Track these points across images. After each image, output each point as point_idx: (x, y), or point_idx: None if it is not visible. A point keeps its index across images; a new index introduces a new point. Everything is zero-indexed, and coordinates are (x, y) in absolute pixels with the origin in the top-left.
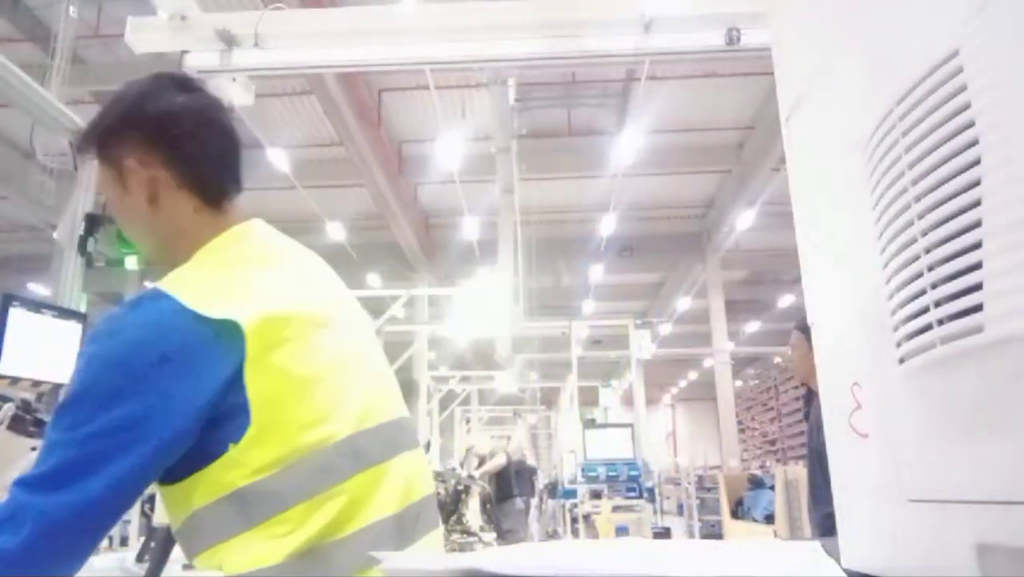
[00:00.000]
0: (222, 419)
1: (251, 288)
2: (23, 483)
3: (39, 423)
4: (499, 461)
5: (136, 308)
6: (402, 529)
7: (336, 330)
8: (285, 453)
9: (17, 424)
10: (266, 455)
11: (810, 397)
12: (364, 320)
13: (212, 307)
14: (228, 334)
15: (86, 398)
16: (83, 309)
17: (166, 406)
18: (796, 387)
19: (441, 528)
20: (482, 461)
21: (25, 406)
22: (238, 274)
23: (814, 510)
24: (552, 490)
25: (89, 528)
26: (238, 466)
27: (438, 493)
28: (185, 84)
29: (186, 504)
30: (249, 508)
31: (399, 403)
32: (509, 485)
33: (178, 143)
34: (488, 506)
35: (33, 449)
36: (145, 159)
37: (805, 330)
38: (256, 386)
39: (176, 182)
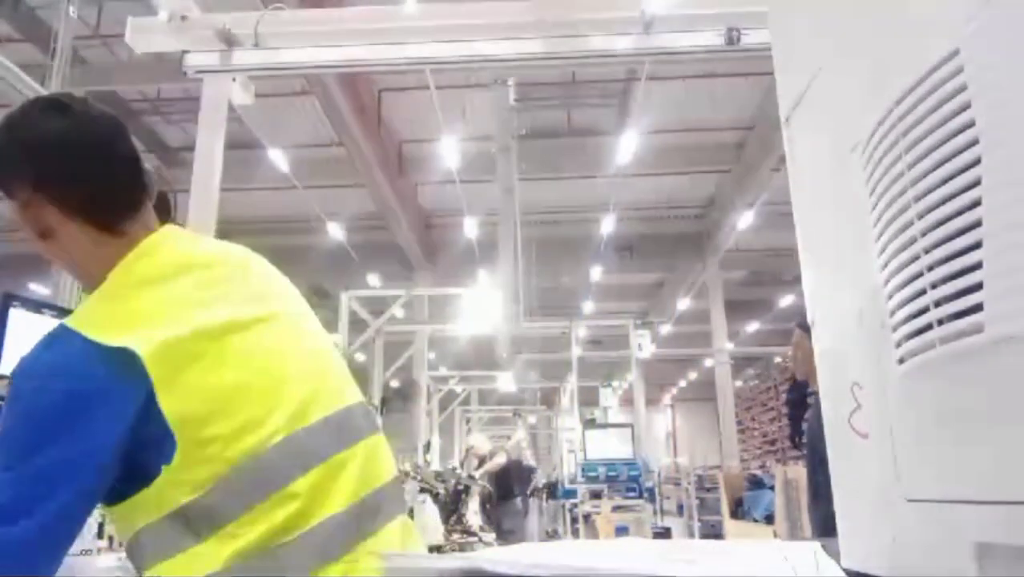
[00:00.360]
0: (149, 444)
1: (150, 312)
2: None
3: None
4: (499, 461)
5: (46, 349)
6: (360, 521)
7: (261, 329)
8: (219, 467)
9: None
10: (200, 471)
11: (803, 398)
12: (301, 311)
13: (113, 338)
14: (129, 365)
15: (6, 444)
16: None
17: (80, 447)
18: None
19: (403, 516)
20: (482, 461)
21: None
22: (138, 299)
23: (815, 510)
24: (551, 490)
25: (22, 567)
26: (176, 485)
27: (437, 494)
28: (61, 108)
29: (131, 523)
30: (193, 524)
31: (348, 391)
32: (510, 485)
33: (55, 176)
34: (488, 506)
35: None
36: (31, 195)
37: (808, 328)
38: (174, 408)
39: (64, 215)
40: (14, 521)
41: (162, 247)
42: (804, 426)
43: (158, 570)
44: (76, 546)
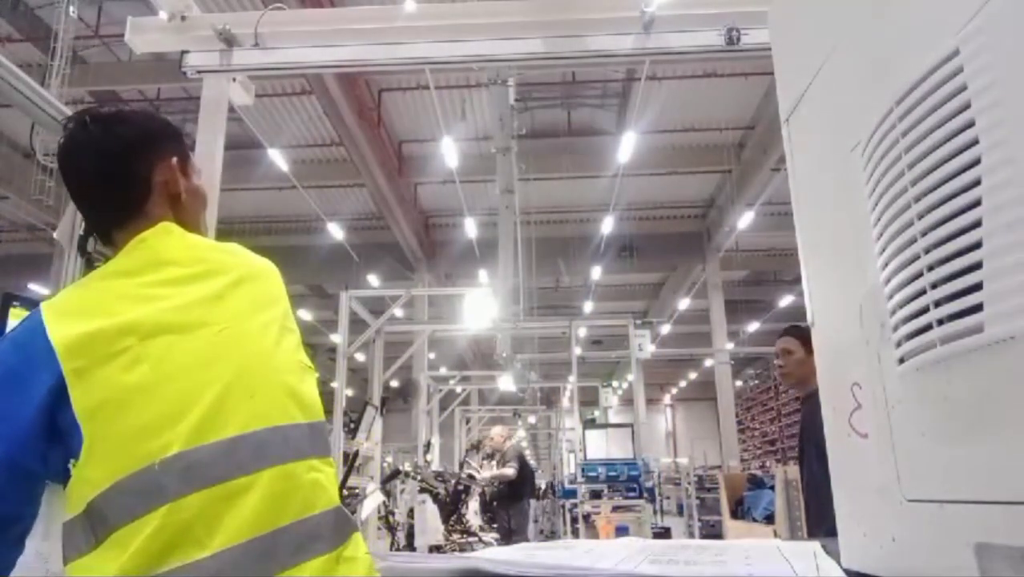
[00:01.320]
0: (63, 436)
1: (95, 302)
2: None
3: None
4: (508, 472)
5: (20, 323)
6: (266, 558)
7: (200, 336)
8: (115, 467)
9: None
10: (100, 469)
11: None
12: (256, 322)
13: (51, 324)
14: (48, 351)
15: None
16: None
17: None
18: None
19: (340, 550)
20: (493, 453)
21: None
22: (95, 288)
23: (816, 508)
24: (549, 491)
25: None
26: (83, 482)
27: (437, 494)
28: (66, 132)
29: (65, 519)
30: (94, 526)
31: (289, 410)
32: (522, 488)
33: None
34: (495, 504)
35: None
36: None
37: (799, 335)
38: (84, 401)
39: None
40: None
41: (146, 241)
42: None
43: (69, 569)
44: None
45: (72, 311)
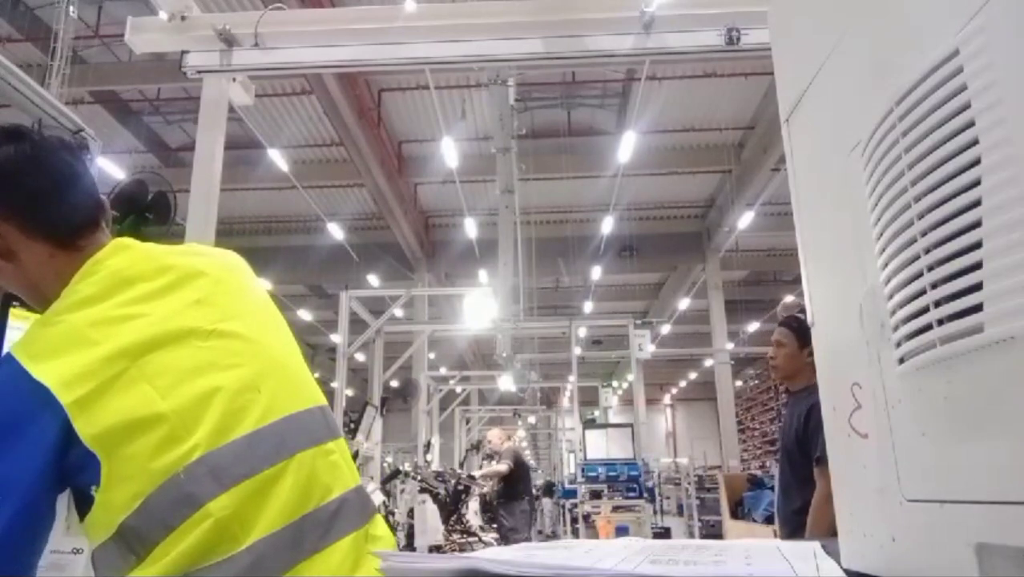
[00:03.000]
0: (79, 468)
1: (74, 336)
2: None
3: None
4: (500, 468)
5: None
6: (300, 541)
7: (192, 342)
8: (141, 486)
9: None
10: (126, 491)
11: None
12: (259, 319)
13: (35, 367)
14: (45, 395)
15: None
16: None
17: (7, 476)
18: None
19: (365, 528)
20: (492, 455)
21: None
22: (67, 322)
23: (784, 507)
24: (548, 490)
25: None
26: (109, 507)
27: (437, 494)
28: (10, 135)
29: (91, 544)
30: (132, 545)
31: (298, 398)
32: (517, 486)
33: (10, 197)
34: (495, 504)
35: None
36: None
37: (795, 328)
38: (91, 431)
39: (24, 234)
40: None
41: (104, 263)
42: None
43: None
44: (67, 544)
45: (51, 350)
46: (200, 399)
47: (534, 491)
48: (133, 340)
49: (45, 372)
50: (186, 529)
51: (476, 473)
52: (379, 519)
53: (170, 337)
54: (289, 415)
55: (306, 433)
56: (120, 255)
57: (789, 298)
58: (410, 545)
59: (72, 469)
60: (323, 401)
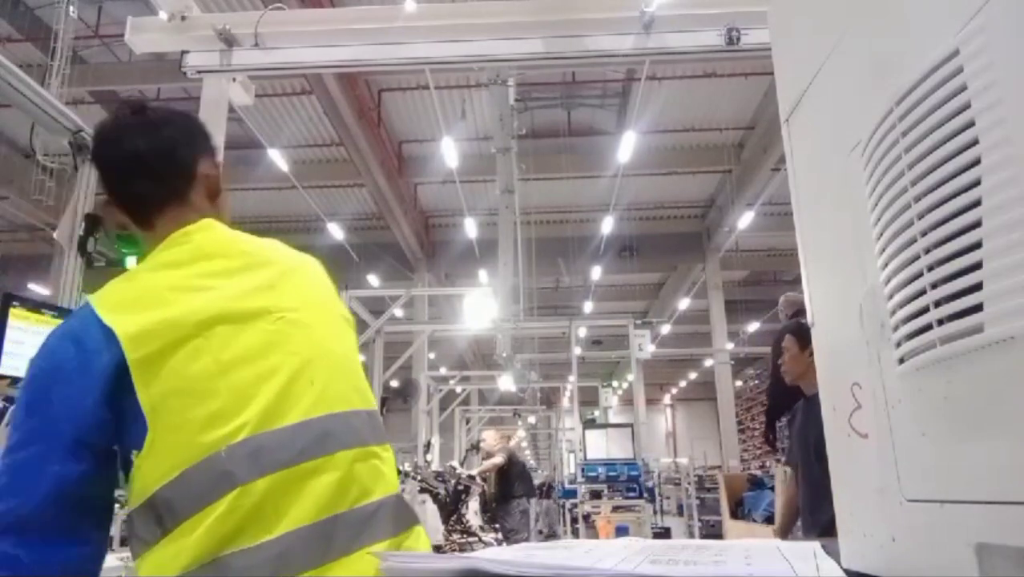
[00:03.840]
0: (124, 426)
1: (152, 293)
2: None
3: None
4: (496, 461)
5: (67, 319)
6: (331, 539)
7: (257, 325)
8: (183, 457)
9: None
10: (166, 461)
11: (786, 401)
12: (321, 316)
13: (108, 315)
14: (110, 341)
15: (18, 410)
16: None
17: (57, 412)
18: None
19: (400, 538)
20: (487, 456)
21: None
22: (147, 280)
23: (815, 514)
24: (547, 491)
25: (44, 528)
26: (146, 473)
27: (437, 494)
28: (105, 126)
29: (128, 509)
30: (161, 516)
31: (352, 399)
32: (511, 485)
33: (102, 175)
34: (494, 505)
35: None
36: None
37: (794, 330)
38: (150, 392)
39: (120, 210)
40: (26, 478)
41: (188, 236)
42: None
43: (141, 560)
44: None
45: (126, 303)
46: (256, 380)
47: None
48: (202, 309)
49: (116, 321)
50: (217, 508)
51: (474, 471)
52: (420, 532)
53: (240, 315)
54: (336, 412)
55: (352, 433)
56: (204, 231)
57: (790, 293)
58: None
59: (121, 428)
60: (373, 407)
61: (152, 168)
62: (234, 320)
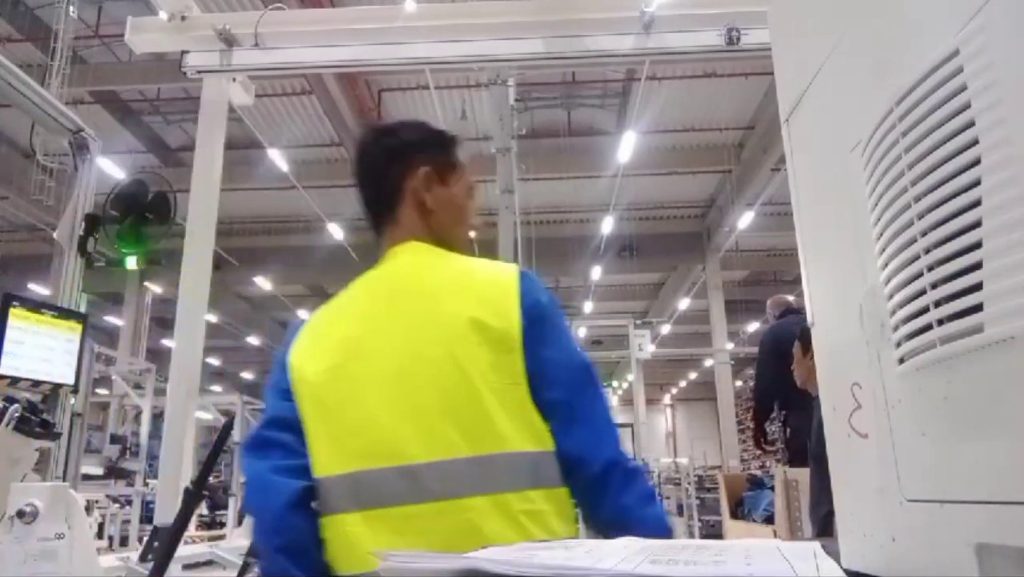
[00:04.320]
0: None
1: (328, 318)
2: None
3: (45, 424)
4: None
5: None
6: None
7: (339, 371)
8: (323, 465)
9: (24, 425)
10: (314, 461)
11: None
12: (446, 351)
13: (300, 338)
14: (284, 366)
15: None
16: (83, 309)
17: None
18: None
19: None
20: None
21: (31, 408)
22: (338, 300)
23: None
24: None
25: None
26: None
27: None
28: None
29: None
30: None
31: (452, 444)
32: None
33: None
34: None
35: (37, 450)
36: None
37: (800, 337)
38: (299, 408)
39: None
40: None
41: (391, 258)
42: (774, 429)
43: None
44: (51, 530)
45: (312, 328)
46: (326, 425)
47: None
48: (359, 339)
49: (294, 351)
50: (325, 525)
51: None
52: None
53: (381, 350)
54: (432, 462)
55: (444, 484)
56: (405, 256)
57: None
58: None
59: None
60: (494, 451)
61: (364, 193)
62: (376, 356)
